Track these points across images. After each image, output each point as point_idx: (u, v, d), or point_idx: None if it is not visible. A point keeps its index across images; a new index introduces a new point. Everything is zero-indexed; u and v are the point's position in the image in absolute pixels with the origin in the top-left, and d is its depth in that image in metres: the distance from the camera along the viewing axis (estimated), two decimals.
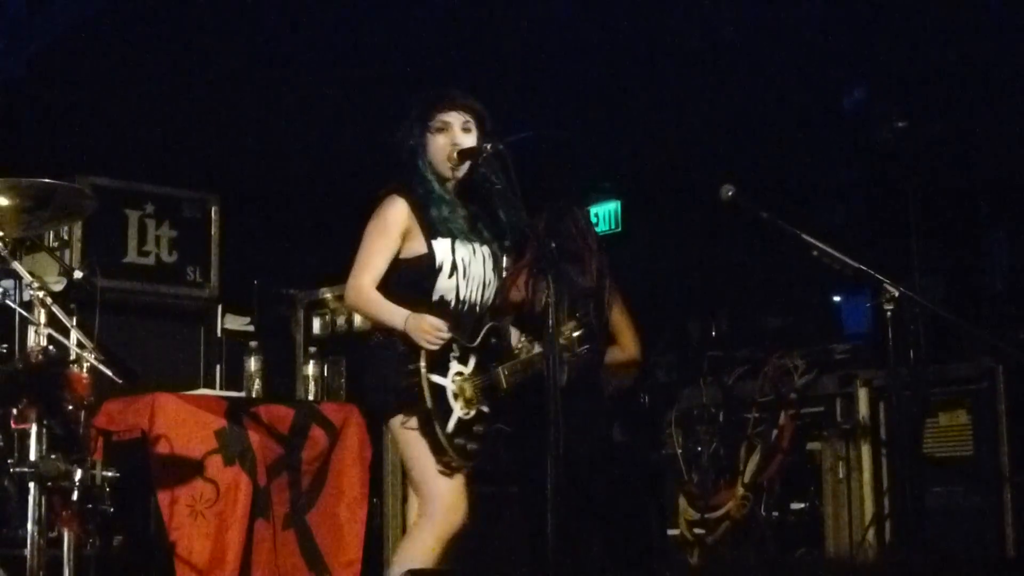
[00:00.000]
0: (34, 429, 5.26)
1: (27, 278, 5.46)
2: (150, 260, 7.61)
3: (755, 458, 7.31)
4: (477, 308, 5.80)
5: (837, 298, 8.61)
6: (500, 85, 9.02)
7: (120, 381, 5.56)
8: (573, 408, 5.26)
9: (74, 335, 5.50)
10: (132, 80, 8.39)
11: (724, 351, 7.81)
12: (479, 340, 5.75)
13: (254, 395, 7.21)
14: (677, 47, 8.79)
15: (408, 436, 5.60)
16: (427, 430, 5.54)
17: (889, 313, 5.80)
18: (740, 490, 7.31)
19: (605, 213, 10.25)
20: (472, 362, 5.69)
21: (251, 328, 7.83)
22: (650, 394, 7.99)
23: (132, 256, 7.56)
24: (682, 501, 7.58)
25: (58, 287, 6.37)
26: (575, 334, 5.93)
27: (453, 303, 5.70)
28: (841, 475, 7.15)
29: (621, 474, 7.32)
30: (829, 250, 5.92)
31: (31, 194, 5.41)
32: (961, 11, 7.77)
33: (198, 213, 7.73)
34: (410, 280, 5.70)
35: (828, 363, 7.34)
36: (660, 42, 8.89)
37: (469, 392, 5.63)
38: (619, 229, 10.17)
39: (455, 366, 5.64)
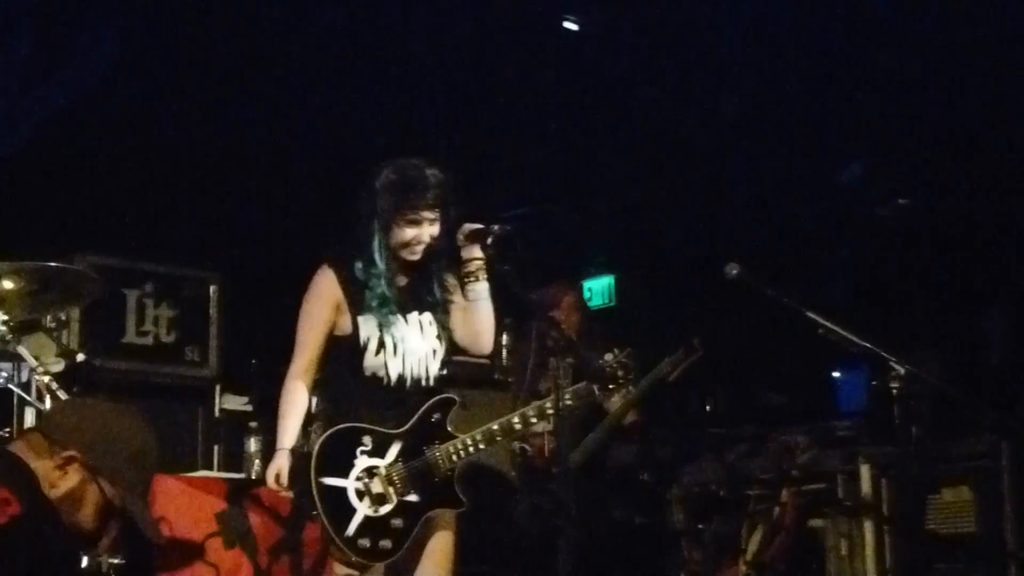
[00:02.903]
0: None
1: (31, 361, 5.42)
2: (149, 340, 7.56)
3: (758, 536, 7.29)
4: (424, 382, 5.60)
5: (836, 374, 8.61)
6: (493, 161, 9.06)
7: None
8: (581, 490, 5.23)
9: None
10: (131, 157, 8.40)
11: (725, 427, 7.79)
12: (412, 422, 5.52)
13: (254, 476, 7.13)
14: (675, 121, 8.83)
15: None
16: (325, 536, 5.42)
17: (895, 391, 5.79)
18: (743, 568, 7.28)
19: (599, 288, 10.26)
20: (393, 451, 5.47)
21: (250, 408, 7.75)
22: (652, 471, 7.95)
23: (131, 336, 7.51)
24: None
25: (57, 368, 6.33)
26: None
27: (385, 380, 5.54)
28: (844, 552, 7.10)
29: (624, 553, 7.29)
30: (835, 328, 5.91)
31: (36, 277, 5.39)
32: (960, 86, 7.82)
33: (198, 292, 7.70)
34: (343, 358, 5.59)
35: (830, 440, 7.31)
36: (657, 117, 8.93)
37: (380, 487, 5.42)
38: (613, 303, 10.18)
39: (363, 461, 5.43)
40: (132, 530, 6.32)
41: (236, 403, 7.79)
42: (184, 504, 6.63)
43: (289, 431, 5.56)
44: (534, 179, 9.49)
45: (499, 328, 7.15)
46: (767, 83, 8.39)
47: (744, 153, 8.81)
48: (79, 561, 3.81)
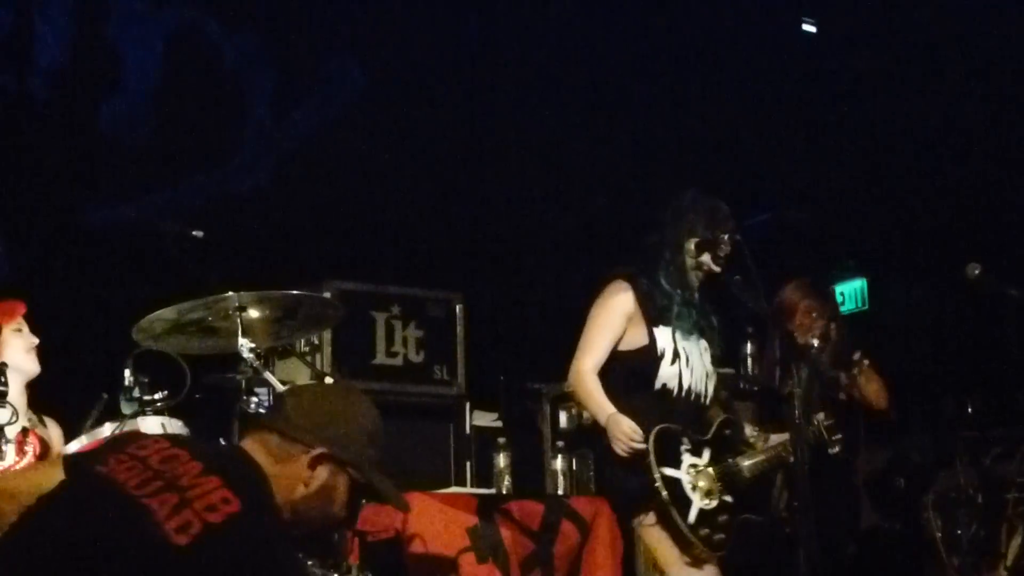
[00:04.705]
0: None
1: (278, 387, 5.55)
2: (398, 361, 7.70)
3: (1017, 540, 7.12)
4: (701, 399, 5.89)
5: None
6: (742, 165, 9.03)
7: None
8: (824, 496, 5.20)
9: None
10: (374, 184, 8.59)
11: (979, 431, 7.63)
12: (711, 432, 5.81)
13: (504, 491, 7.21)
14: (922, 123, 8.69)
15: (650, 534, 5.61)
16: (668, 524, 5.55)
17: None
18: (1003, 573, 7.12)
19: (851, 291, 10.10)
20: (706, 454, 5.75)
21: (499, 424, 7.85)
22: (906, 477, 7.82)
23: (381, 358, 7.65)
24: None
25: None
26: (827, 423, 5.92)
27: (676, 391, 5.80)
28: None
29: (873, 559, 7.19)
30: None
31: (280, 305, 5.56)
32: None
33: (443, 312, 7.82)
34: (632, 369, 5.85)
35: None
36: (904, 119, 8.80)
37: (706, 484, 5.66)
38: (865, 307, 10.01)
39: (688, 458, 5.69)
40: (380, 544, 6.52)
41: (485, 419, 7.90)
42: (437, 520, 6.74)
43: (606, 402, 5.80)
44: (782, 184, 9.42)
45: (742, 336, 7.22)
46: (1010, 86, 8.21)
47: (992, 151, 8.62)
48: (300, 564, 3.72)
